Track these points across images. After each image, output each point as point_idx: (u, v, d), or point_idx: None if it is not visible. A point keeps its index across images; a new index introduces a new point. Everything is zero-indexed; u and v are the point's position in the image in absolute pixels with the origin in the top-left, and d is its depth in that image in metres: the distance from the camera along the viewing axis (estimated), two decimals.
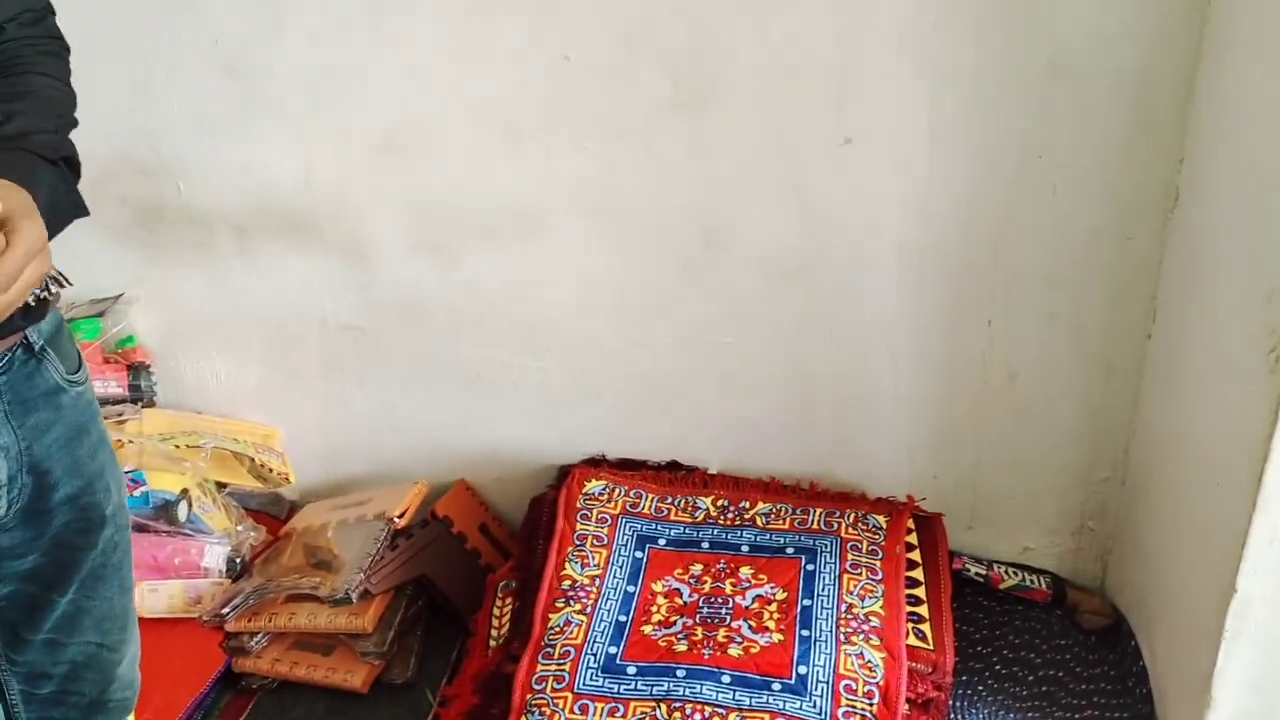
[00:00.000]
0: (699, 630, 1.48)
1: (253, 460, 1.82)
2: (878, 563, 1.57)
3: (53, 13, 1.03)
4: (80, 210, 0.97)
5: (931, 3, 1.37)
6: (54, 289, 0.94)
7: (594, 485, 1.72)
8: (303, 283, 1.75)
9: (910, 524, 1.65)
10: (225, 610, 1.66)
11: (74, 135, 1.73)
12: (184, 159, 1.67)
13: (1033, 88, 1.40)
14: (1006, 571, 1.70)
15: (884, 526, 1.63)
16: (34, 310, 0.93)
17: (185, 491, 1.71)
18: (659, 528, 1.67)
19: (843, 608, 1.50)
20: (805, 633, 1.46)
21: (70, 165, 0.98)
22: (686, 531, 1.67)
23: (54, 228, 0.89)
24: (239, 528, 1.81)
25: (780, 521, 1.67)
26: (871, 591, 1.52)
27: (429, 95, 1.56)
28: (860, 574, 1.55)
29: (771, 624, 1.49)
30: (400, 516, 1.73)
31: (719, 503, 1.70)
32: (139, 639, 1.20)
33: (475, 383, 1.79)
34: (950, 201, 1.50)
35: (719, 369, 1.70)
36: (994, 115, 1.43)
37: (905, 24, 1.39)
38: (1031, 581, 1.69)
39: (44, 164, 0.92)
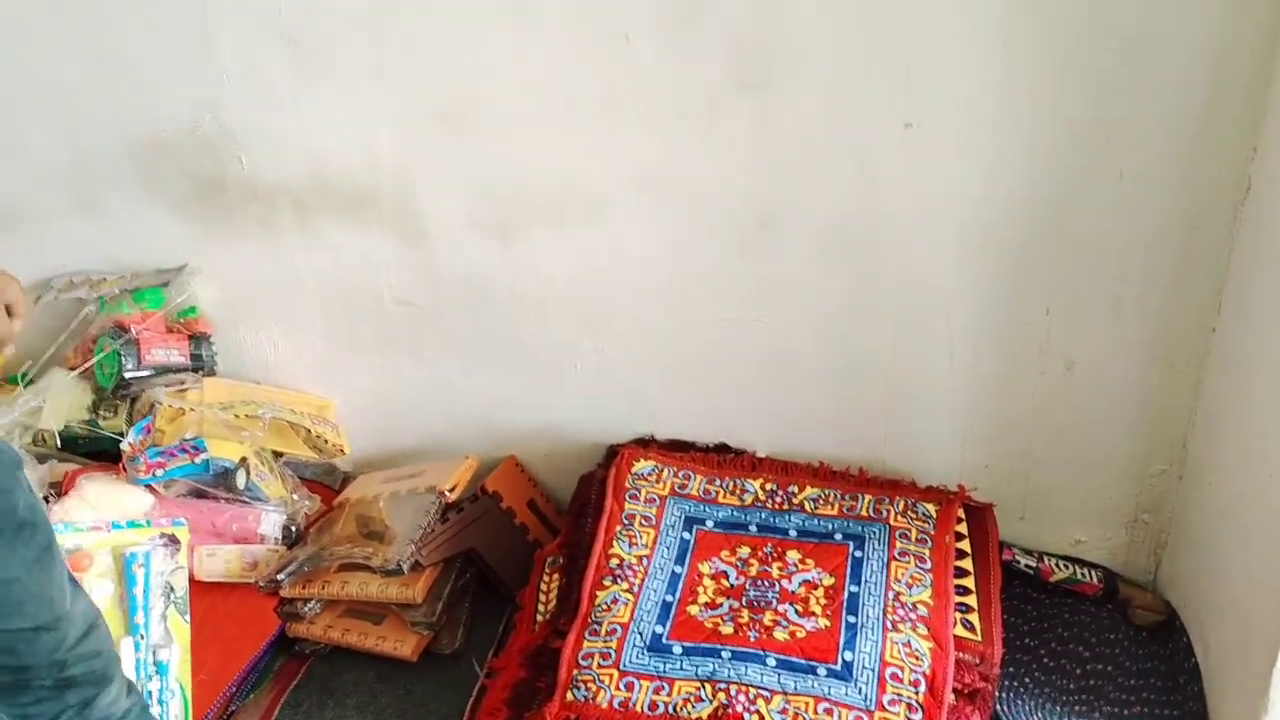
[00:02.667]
0: (745, 613, 1.49)
1: (308, 431, 1.86)
2: (926, 551, 1.56)
3: None
4: None
5: None
6: None
7: (643, 465, 1.72)
8: (361, 258, 1.77)
9: (960, 513, 1.64)
10: (280, 576, 1.70)
11: (140, 110, 1.77)
12: (247, 133, 1.70)
13: (1102, 71, 1.37)
14: (1057, 564, 1.68)
15: (934, 515, 1.62)
16: None
17: (244, 460, 1.75)
18: (707, 509, 1.68)
19: (890, 595, 1.49)
20: (852, 619, 1.46)
21: None
22: (734, 514, 1.67)
23: None
24: (294, 496, 1.85)
25: (829, 507, 1.67)
26: (920, 580, 1.51)
27: (491, 74, 1.56)
28: (908, 562, 1.54)
29: (818, 609, 1.49)
30: (451, 490, 1.76)
31: (767, 486, 1.70)
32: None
33: (532, 362, 1.81)
34: (1013, 187, 1.48)
35: (772, 352, 1.70)
36: (1061, 98, 1.40)
37: (972, 7, 1.37)
38: (1083, 575, 1.67)
39: None
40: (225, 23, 1.61)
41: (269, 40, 1.61)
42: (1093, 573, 1.68)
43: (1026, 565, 1.67)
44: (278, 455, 1.88)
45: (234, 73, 1.64)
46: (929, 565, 1.54)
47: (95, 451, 1.86)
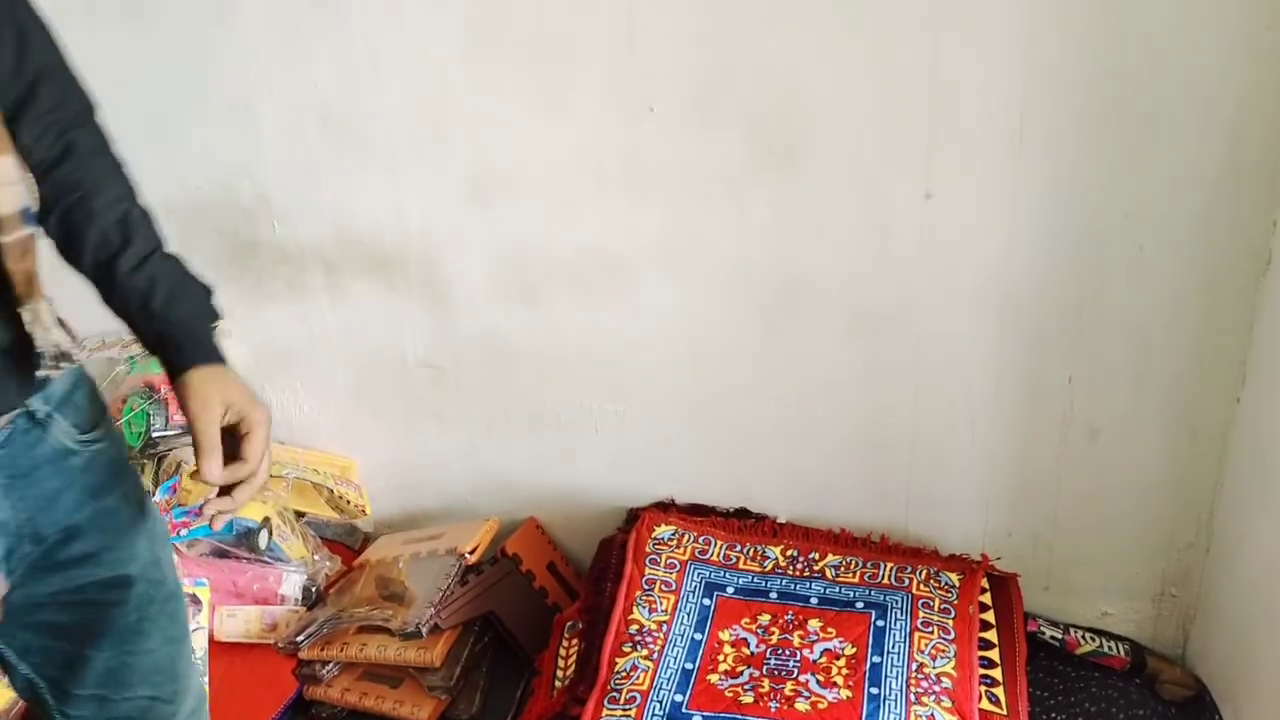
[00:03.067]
0: (766, 682, 1.47)
1: (331, 491, 1.87)
2: (950, 622, 1.54)
3: (62, 68, 0.96)
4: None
5: (1018, 62, 1.38)
6: (69, 352, 0.93)
7: (663, 530, 1.72)
8: (387, 321, 1.80)
9: (984, 583, 1.62)
10: (299, 638, 1.70)
11: (179, 175, 1.82)
12: (281, 199, 1.74)
13: (1120, 147, 1.39)
14: (1083, 636, 1.65)
15: (957, 585, 1.61)
16: (37, 383, 0.93)
17: (267, 520, 1.76)
18: (727, 575, 1.67)
19: (913, 667, 1.47)
20: (874, 690, 1.44)
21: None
22: (755, 580, 1.66)
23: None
24: (315, 557, 1.85)
25: (850, 575, 1.65)
26: (943, 651, 1.50)
27: (519, 144, 1.60)
28: (932, 632, 1.53)
29: (840, 680, 1.47)
30: (471, 553, 1.75)
31: (788, 552, 1.69)
32: (200, 684, 1.19)
33: (553, 425, 1.82)
34: (1032, 258, 1.49)
35: (793, 418, 1.70)
36: (1080, 174, 1.42)
37: (991, 82, 1.40)
38: (1109, 648, 1.65)
39: (186, 275, 1.01)
40: (265, 94, 1.66)
41: (306, 112, 1.65)
42: (1120, 646, 1.65)
43: (1052, 637, 1.65)
44: (300, 515, 1.89)
45: (271, 141, 1.69)
46: (952, 636, 1.52)
47: None
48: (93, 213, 0.96)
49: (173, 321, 0.97)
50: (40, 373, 0.90)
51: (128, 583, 1.03)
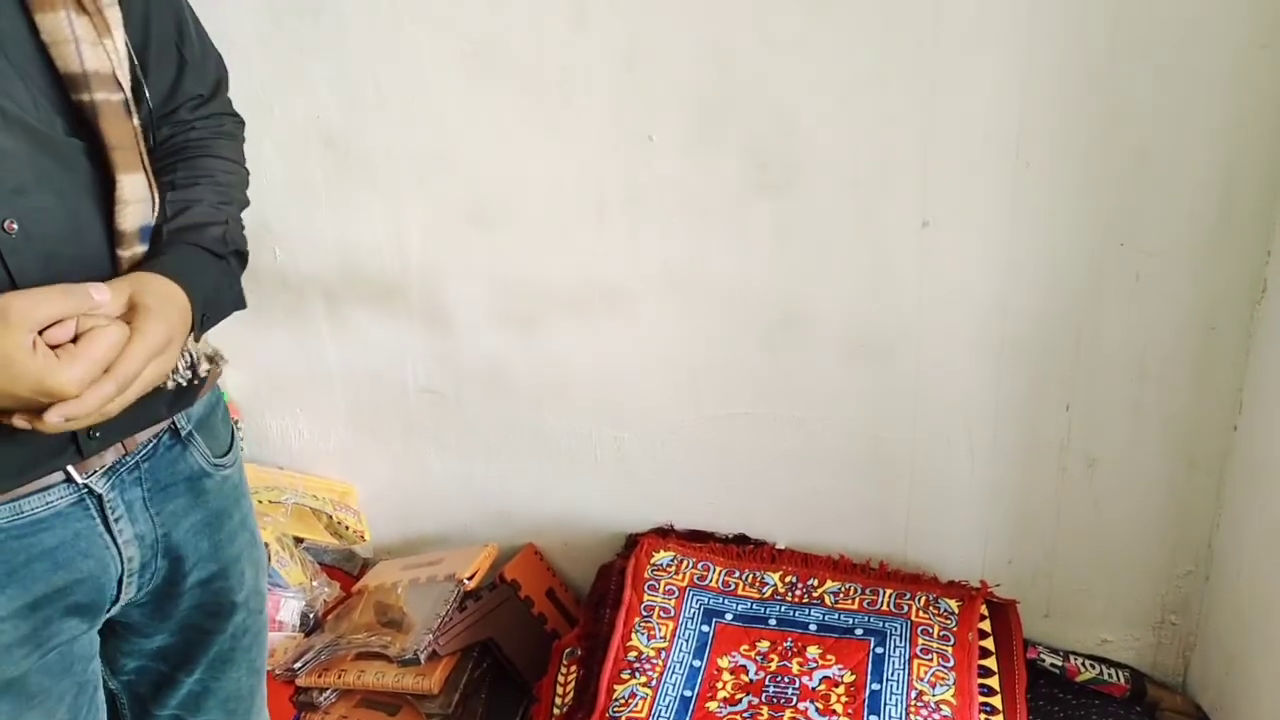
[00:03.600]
0: (765, 710, 1.47)
1: (330, 517, 1.87)
2: (949, 649, 1.54)
3: (225, 86, 1.01)
4: (240, 304, 0.96)
5: (1016, 89, 1.39)
6: (207, 368, 0.91)
7: (662, 556, 1.72)
8: (387, 348, 1.81)
9: (984, 610, 1.62)
10: (297, 665, 1.69)
11: None
12: (283, 226, 1.75)
13: (1117, 176, 1.40)
14: (1083, 663, 1.65)
15: (956, 612, 1.61)
16: (182, 396, 0.92)
17: (265, 546, 1.76)
18: (726, 602, 1.67)
19: (912, 694, 1.47)
20: (874, 719, 1.44)
21: (239, 258, 0.97)
22: (754, 607, 1.66)
23: (209, 322, 0.89)
24: (314, 583, 1.85)
25: (849, 601, 1.65)
26: (943, 679, 1.49)
27: (519, 171, 1.61)
28: (931, 660, 1.52)
29: (839, 707, 1.47)
30: (470, 579, 1.75)
31: (787, 579, 1.69)
32: (267, 716, 1.19)
33: (552, 451, 1.82)
34: (1030, 286, 1.50)
35: (792, 445, 1.71)
36: (1077, 202, 1.43)
37: (990, 109, 1.41)
38: (1109, 675, 1.64)
39: (210, 259, 0.91)
40: (268, 124, 1.68)
41: (309, 141, 1.67)
42: (1120, 673, 1.65)
43: (1052, 664, 1.64)
44: (298, 541, 1.89)
45: (274, 170, 1.70)
46: (952, 663, 1.52)
47: None
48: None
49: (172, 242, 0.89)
50: (171, 383, 0.87)
51: (232, 611, 1.03)
